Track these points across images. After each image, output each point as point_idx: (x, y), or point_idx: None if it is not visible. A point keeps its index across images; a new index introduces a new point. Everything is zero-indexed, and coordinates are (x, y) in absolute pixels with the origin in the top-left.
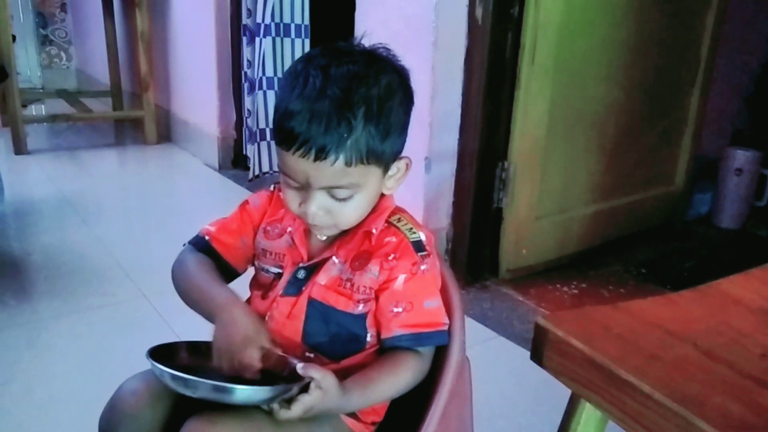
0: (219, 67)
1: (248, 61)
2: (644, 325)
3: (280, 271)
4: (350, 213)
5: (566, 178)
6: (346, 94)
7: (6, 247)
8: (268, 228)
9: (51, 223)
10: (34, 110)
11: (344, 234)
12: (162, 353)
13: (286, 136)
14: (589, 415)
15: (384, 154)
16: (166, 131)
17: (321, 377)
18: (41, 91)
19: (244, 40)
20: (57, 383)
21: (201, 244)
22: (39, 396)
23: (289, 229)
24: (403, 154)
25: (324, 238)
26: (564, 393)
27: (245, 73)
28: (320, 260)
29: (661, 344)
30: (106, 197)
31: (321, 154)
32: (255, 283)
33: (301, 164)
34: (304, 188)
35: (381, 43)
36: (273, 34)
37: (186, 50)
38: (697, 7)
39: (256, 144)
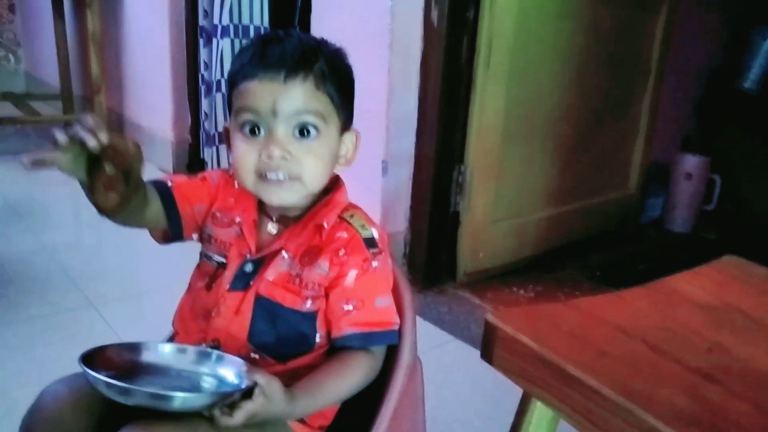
0: (173, 70)
1: (205, 63)
2: (594, 322)
3: (223, 260)
4: (314, 162)
5: (522, 182)
6: (311, 40)
7: None
8: (218, 214)
9: None
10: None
11: (294, 226)
12: (96, 357)
13: (257, 59)
14: (540, 415)
15: (342, 104)
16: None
17: (266, 383)
18: None
19: (201, 41)
20: None
21: (162, 189)
22: None
23: (238, 219)
24: (359, 156)
25: (275, 231)
26: (520, 395)
27: (202, 75)
28: (268, 253)
29: (610, 340)
30: (54, 203)
31: (293, 71)
32: (197, 273)
33: (270, 88)
34: (267, 129)
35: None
36: (231, 35)
37: (139, 52)
38: (646, 16)
39: (214, 147)
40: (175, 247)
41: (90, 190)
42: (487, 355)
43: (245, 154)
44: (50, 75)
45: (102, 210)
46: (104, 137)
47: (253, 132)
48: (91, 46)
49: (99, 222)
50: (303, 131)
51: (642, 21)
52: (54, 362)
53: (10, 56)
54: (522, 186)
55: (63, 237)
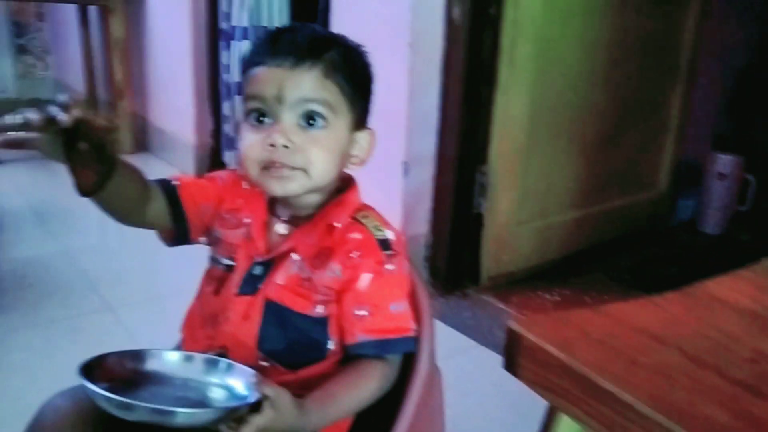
0: (195, 74)
1: (225, 65)
2: (626, 330)
3: (231, 263)
4: (320, 154)
5: (547, 182)
6: (328, 33)
7: None
8: (226, 216)
9: (14, 235)
10: (7, 121)
11: (304, 226)
12: (98, 367)
13: (268, 46)
14: (567, 430)
15: (354, 98)
16: (142, 140)
17: (275, 395)
18: (15, 100)
19: (221, 44)
20: (8, 401)
21: (167, 188)
22: None
23: (246, 220)
24: (379, 157)
25: (285, 232)
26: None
27: (222, 78)
28: (278, 254)
29: (644, 349)
30: (78, 208)
31: (301, 59)
32: (206, 277)
33: (277, 74)
34: (274, 117)
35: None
36: (251, 37)
37: (162, 57)
38: (677, 10)
39: (235, 150)
40: (196, 252)
41: (71, 172)
42: (511, 366)
43: (251, 143)
44: (78, 81)
45: (81, 190)
46: (76, 112)
47: (260, 121)
48: (115, 52)
49: (120, 226)
50: (309, 121)
51: (673, 15)
52: (72, 366)
53: (39, 63)
54: (547, 187)
55: (84, 241)
